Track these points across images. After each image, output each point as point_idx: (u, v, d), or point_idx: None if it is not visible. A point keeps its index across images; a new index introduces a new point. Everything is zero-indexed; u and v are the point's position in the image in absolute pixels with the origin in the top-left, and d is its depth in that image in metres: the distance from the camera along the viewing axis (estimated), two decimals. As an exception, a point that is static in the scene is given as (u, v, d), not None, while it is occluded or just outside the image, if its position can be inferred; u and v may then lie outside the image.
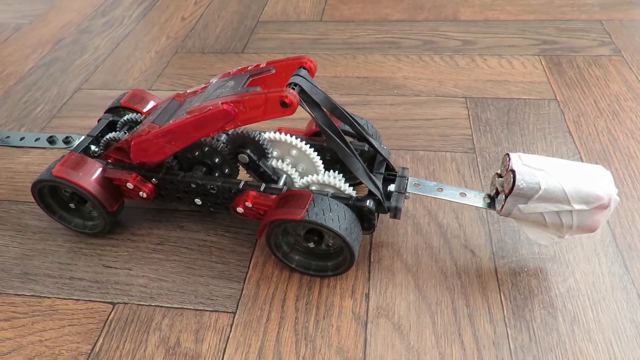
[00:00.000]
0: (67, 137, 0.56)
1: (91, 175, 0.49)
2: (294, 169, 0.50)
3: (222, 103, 0.42)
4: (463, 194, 0.47)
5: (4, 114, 0.75)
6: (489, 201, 0.46)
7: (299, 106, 0.42)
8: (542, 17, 0.88)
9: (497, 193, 0.45)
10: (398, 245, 0.51)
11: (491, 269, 0.48)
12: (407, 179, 0.48)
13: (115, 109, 0.59)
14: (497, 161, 0.60)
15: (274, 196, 0.47)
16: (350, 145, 0.45)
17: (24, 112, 0.75)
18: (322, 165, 0.51)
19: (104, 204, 0.50)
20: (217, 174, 0.52)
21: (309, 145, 0.50)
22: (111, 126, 0.57)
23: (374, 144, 0.48)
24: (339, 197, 0.45)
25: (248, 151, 0.48)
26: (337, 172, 0.51)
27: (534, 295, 0.45)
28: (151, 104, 0.58)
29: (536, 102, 0.69)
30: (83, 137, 0.55)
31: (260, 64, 0.47)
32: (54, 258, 0.53)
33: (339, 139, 0.44)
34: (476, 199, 0.46)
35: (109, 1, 1.07)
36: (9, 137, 0.57)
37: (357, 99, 0.72)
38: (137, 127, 0.50)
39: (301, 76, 0.43)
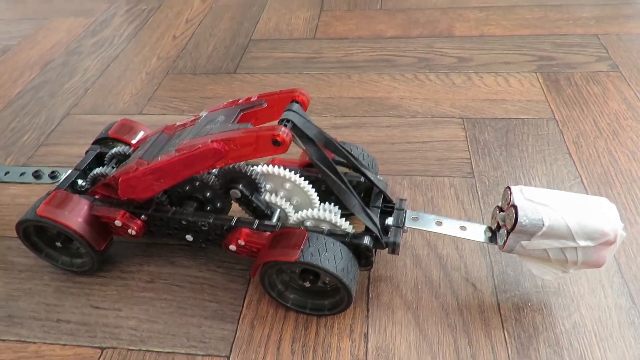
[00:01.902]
0: (53, 172, 0.54)
1: (78, 214, 0.48)
2: (288, 203, 0.49)
3: (211, 141, 0.40)
4: (463, 228, 0.45)
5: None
6: (490, 235, 0.45)
7: (292, 142, 0.41)
8: (537, 32, 0.87)
9: (499, 227, 0.44)
10: (397, 279, 0.49)
11: (494, 304, 0.46)
12: (405, 212, 0.46)
13: (103, 140, 0.57)
14: (497, 186, 0.58)
15: (267, 234, 0.45)
16: (346, 180, 0.43)
17: (11, 140, 0.73)
18: (317, 198, 0.49)
19: (91, 243, 0.48)
20: (208, 208, 0.50)
21: (303, 178, 0.48)
22: (99, 158, 0.56)
23: (370, 176, 0.47)
24: (335, 234, 0.44)
25: (240, 186, 0.46)
26: (332, 204, 0.50)
27: (539, 332, 0.44)
28: (140, 134, 0.57)
29: (534, 121, 0.68)
30: (69, 171, 0.54)
31: (251, 97, 0.45)
32: (40, 298, 0.51)
33: (334, 174, 0.43)
34: (477, 233, 0.45)
35: (99, 20, 1.06)
36: (-7, 171, 0.56)
37: (352, 121, 0.71)
38: (126, 161, 0.49)
39: (294, 111, 0.41)
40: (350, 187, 0.43)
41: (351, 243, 0.43)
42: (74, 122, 0.76)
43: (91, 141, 0.71)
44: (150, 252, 0.54)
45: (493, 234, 0.45)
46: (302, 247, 0.41)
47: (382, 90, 0.77)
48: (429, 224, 0.45)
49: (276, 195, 0.49)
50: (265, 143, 0.39)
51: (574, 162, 0.61)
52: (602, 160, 0.61)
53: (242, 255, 0.47)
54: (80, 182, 0.53)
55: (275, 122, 0.46)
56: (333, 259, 0.41)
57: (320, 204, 0.49)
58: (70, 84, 0.85)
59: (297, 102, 0.43)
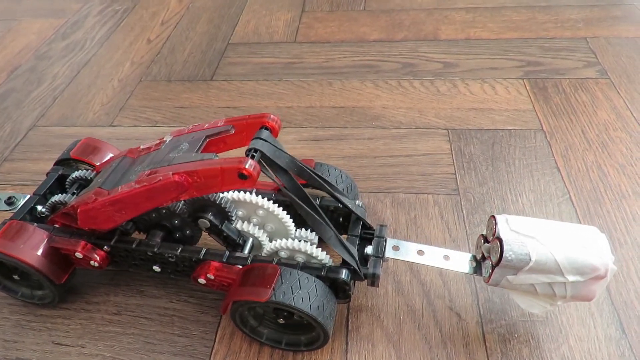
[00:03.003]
0: (10, 198, 0.50)
1: (35, 247, 0.44)
2: (262, 231, 0.46)
3: (173, 173, 0.37)
4: (447, 257, 0.43)
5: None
6: (474, 265, 0.42)
7: (262, 172, 0.38)
8: (525, 35, 0.85)
9: (484, 257, 0.41)
10: (378, 309, 0.47)
11: (479, 335, 0.44)
12: (386, 241, 0.44)
13: (65, 161, 0.54)
14: (483, 204, 0.56)
15: (238, 267, 0.42)
16: (320, 210, 0.41)
17: (-27, 155, 0.70)
18: (292, 224, 0.46)
19: (50, 278, 0.45)
20: (177, 235, 0.47)
21: (277, 205, 0.45)
22: (61, 181, 0.52)
23: (347, 203, 0.44)
24: (310, 267, 0.41)
25: (209, 215, 0.43)
26: (309, 230, 0.47)
27: (526, 366, 0.42)
28: (105, 155, 0.53)
29: (522, 132, 0.65)
30: (28, 197, 0.50)
31: (218, 122, 0.42)
32: (-2, 334, 0.47)
33: (307, 205, 0.40)
34: (461, 264, 0.42)
35: (70, 22, 1.01)
36: (-52, 196, 0.52)
37: (333, 132, 0.68)
38: (86, 188, 0.45)
39: (262, 139, 0.38)
40: (325, 218, 0.40)
41: (327, 277, 0.41)
42: (41, 134, 0.72)
43: (57, 156, 0.68)
44: (118, 280, 0.51)
45: (478, 264, 0.42)
46: (273, 285, 0.38)
47: (364, 99, 0.74)
48: (411, 253, 0.43)
49: (248, 222, 0.46)
50: (231, 176, 0.36)
51: (562, 177, 0.58)
52: (591, 174, 0.59)
53: (212, 288, 0.44)
54: (39, 208, 0.49)
55: (243, 149, 0.43)
56: (307, 297, 0.38)
57: (296, 230, 0.47)
58: (37, 93, 0.81)
59: (266, 128, 0.40)
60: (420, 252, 0.43)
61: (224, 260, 0.42)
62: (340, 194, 0.44)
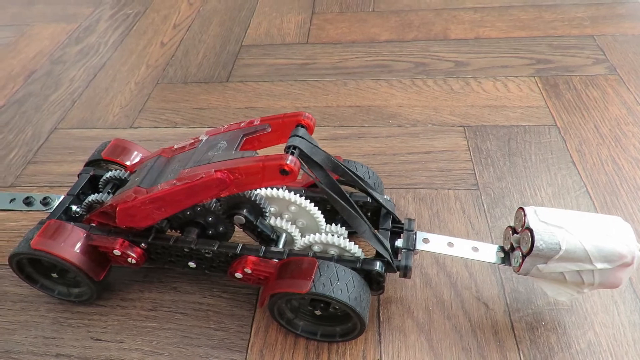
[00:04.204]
0: (45, 198, 0.51)
1: (74, 245, 0.45)
2: (294, 226, 0.47)
3: (215, 171, 0.38)
4: (475, 249, 0.44)
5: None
6: (502, 256, 0.44)
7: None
8: (533, 34, 0.86)
9: (512, 248, 0.43)
10: (407, 300, 0.48)
11: (507, 324, 0.46)
12: (415, 234, 0.45)
13: (96, 162, 0.55)
14: (502, 198, 0.58)
15: (274, 261, 0.43)
16: (355, 205, 0.42)
17: (-3, 158, 0.71)
18: (323, 219, 0.48)
19: (89, 275, 0.46)
20: (210, 232, 0.48)
21: (308, 200, 0.47)
22: (92, 181, 0.53)
23: (378, 198, 0.46)
24: (345, 260, 0.42)
25: (244, 212, 0.45)
26: (339, 224, 0.49)
27: (554, 352, 0.43)
28: (135, 155, 0.55)
29: (536, 129, 0.67)
30: (62, 197, 0.51)
31: (254, 121, 0.43)
32: (37, 332, 0.48)
33: (343, 200, 0.41)
34: (489, 254, 0.44)
35: (82, 26, 1.02)
36: (-19, 198, 0.53)
37: (351, 131, 0.69)
38: (123, 187, 0.47)
39: (300, 136, 0.40)
40: (360, 212, 0.42)
41: (362, 269, 0.42)
42: (62, 137, 0.73)
43: (81, 158, 0.69)
44: (151, 277, 0.52)
45: (506, 255, 0.44)
46: (313, 277, 0.40)
47: (379, 98, 0.75)
48: (441, 245, 0.44)
49: (281, 218, 0.48)
50: (273, 172, 0.37)
51: (578, 171, 0.60)
52: (606, 168, 0.60)
53: (248, 282, 0.45)
54: (74, 208, 0.51)
55: (278, 146, 0.44)
56: (345, 289, 0.40)
57: (326, 225, 0.48)
58: (56, 96, 0.82)
59: (302, 126, 0.41)
60: (450, 244, 0.45)
61: (261, 254, 0.44)
62: (372, 189, 0.46)
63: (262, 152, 0.41)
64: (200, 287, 0.51)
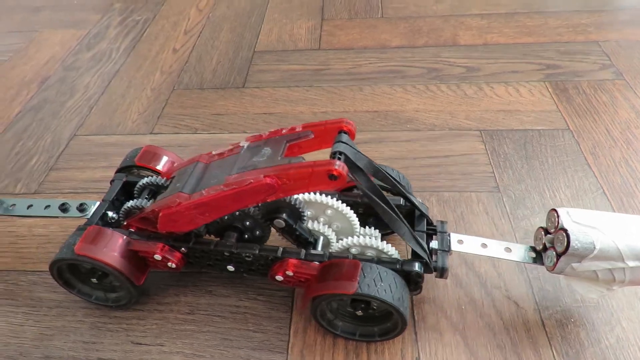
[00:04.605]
0: (81, 204, 0.52)
1: (116, 250, 0.46)
2: (330, 229, 0.48)
3: (264, 176, 0.39)
4: (508, 249, 0.46)
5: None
6: (534, 255, 0.46)
7: (343, 173, 0.40)
8: (540, 40, 0.89)
9: (545, 248, 0.44)
10: (440, 300, 0.50)
11: (538, 321, 0.47)
12: (449, 235, 0.47)
13: (128, 168, 0.56)
14: (523, 200, 0.59)
15: (315, 263, 0.45)
16: (395, 208, 0.43)
17: (18, 165, 0.71)
18: (358, 222, 0.49)
19: (131, 279, 0.47)
20: (247, 236, 0.49)
21: (345, 204, 0.48)
22: (125, 187, 0.54)
23: (414, 201, 0.47)
24: (386, 261, 0.44)
25: (284, 215, 0.46)
26: (372, 227, 0.50)
27: (585, 348, 0.45)
28: (166, 161, 0.55)
29: (550, 132, 0.69)
30: (98, 204, 0.52)
31: (295, 127, 0.44)
32: (76, 337, 0.49)
33: (385, 203, 0.43)
34: (521, 254, 0.46)
35: (92, 33, 1.03)
36: (14, 205, 0.53)
37: (371, 136, 0.71)
38: (162, 194, 0.47)
39: (344, 142, 0.41)
40: (400, 215, 0.43)
41: (402, 270, 0.43)
42: (82, 143, 0.74)
43: (103, 164, 0.70)
44: (186, 281, 0.53)
45: (538, 255, 0.45)
46: (357, 278, 0.41)
47: (395, 103, 0.77)
48: (475, 246, 0.46)
49: (317, 222, 0.49)
50: (321, 178, 0.38)
51: (593, 172, 0.62)
52: (620, 170, 0.63)
53: (288, 285, 0.46)
54: (110, 214, 0.51)
55: (318, 151, 0.46)
56: (389, 289, 0.41)
57: (361, 228, 0.49)
58: (72, 103, 0.83)
59: (344, 132, 0.43)
60: (484, 245, 0.46)
61: (302, 257, 0.45)
62: (409, 193, 0.47)
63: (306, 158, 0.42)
64: (235, 290, 0.52)
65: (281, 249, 0.46)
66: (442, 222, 0.48)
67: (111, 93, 0.84)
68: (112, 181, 0.55)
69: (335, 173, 0.38)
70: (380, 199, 0.42)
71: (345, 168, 0.39)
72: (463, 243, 0.46)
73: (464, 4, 1.02)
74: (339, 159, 0.40)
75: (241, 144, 0.46)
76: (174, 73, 0.88)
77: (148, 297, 0.52)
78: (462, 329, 0.47)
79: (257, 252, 0.46)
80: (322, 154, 0.45)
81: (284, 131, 0.45)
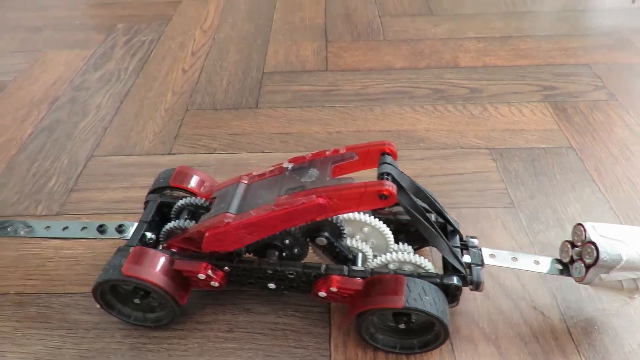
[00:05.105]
0: (120, 226, 0.53)
1: (161, 270, 0.47)
2: (367, 245, 0.51)
3: (317, 197, 0.41)
4: (537, 262, 0.49)
5: (14, 190, 0.70)
6: (560, 268, 0.49)
7: (388, 193, 0.43)
8: (535, 62, 0.94)
9: (572, 260, 0.48)
10: (471, 312, 0.52)
11: (564, 330, 0.50)
12: (481, 250, 0.49)
13: (161, 189, 0.57)
14: (537, 214, 0.63)
15: (358, 279, 0.46)
16: (435, 226, 0.46)
17: (36, 187, 0.70)
18: (393, 238, 0.51)
19: (176, 299, 0.48)
20: (285, 254, 0.51)
21: (381, 222, 0.50)
22: (160, 208, 0.55)
23: (448, 217, 0.50)
24: (426, 276, 0.46)
25: (326, 234, 0.48)
26: (405, 243, 0.52)
27: (610, 354, 0.48)
28: (198, 181, 0.57)
29: (555, 150, 0.73)
30: (136, 224, 0.53)
31: (339, 149, 0.47)
32: (117, 358, 0.49)
33: (426, 221, 0.45)
34: (549, 266, 0.49)
35: (97, 53, 1.03)
36: (49, 227, 0.54)
37: (386, 154, 0.74)
38: (205, 214, 0.49)
39: (389, 163, 0.44)
40: (440, 232, 0.46)
41: (442, 283, 0.46)
42: (101, 164, 0.74)
43: (124, 185, 0.71)
44: (223, 300, 0.54)
45: (564, 267, 0.49)
46: (404, 293, 0.43)
47: (406, 123, 0.80)
48: (506, 260, 0.49)
49: (355, 239, 0.51)
50: (372, 198, 0.41)
51: (599, 188, 0.66)
52: (623, 185, 0.67)
53: (329, 301, 0.48)
54: (148, 234, 0.52)
55: (358, 172, 0.48)
56: (434, 302, 0.43)
57: (395, 244, 0.52)
58: (85, 123, 0.83)
59: (387, 153, 0.45)
60: (514, 259, 0.49)
61: (346, 273, 0.47)
62: (444, 211, 0.50)
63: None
64: (272, 307, 0.53)
65: (324, 266, 0.48)
66: (472, 237, 0.51)
67: (124, 113, 0.85)
68: (146, 202, 0.56)
69: (386, 193, 0.40)
70: (423, 217, 0.45)
71: (395, 188, 0.41)
72: (495, 257, 0.49)
73: (460, 27, 1.07)
74: (387, 179, 0.42)
75: (284, 165, 0.48)
76: (185, 93, 0.90)
77: (186, 316, 0.53)
78: (494, 339, 0.50)
79: (300, 269, 0.47)
80: (360, 174, 0.48)
81: (327, 153, 0.47)
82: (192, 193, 0.56)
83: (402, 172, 0.45)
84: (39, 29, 1.14)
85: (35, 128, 0.82)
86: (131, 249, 0.48)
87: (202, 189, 0.56)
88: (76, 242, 0.61)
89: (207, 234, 0.46)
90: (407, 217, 0.52)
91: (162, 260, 0.48)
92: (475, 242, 0.50)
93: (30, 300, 0.55)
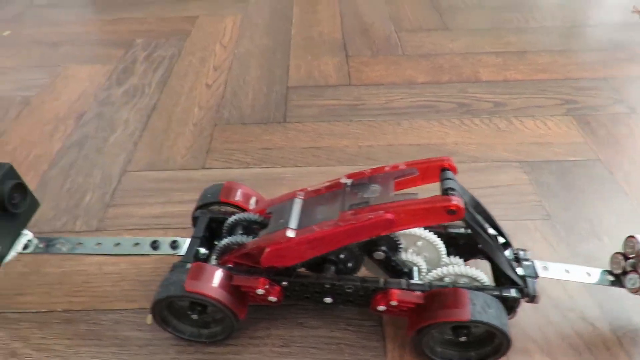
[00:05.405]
0: (174, 242, 0.53)
1: (222, 286, 0.47)
2: (421, 258, 0.51)
3: (385, 212, 0.42)
4: (588, 274, 0.50)
5: (49, 205, 0.70)
6: (612, 279, 0.50)
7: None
8: (554, 77, 0.96)
9: (625, 272, 0.49)
10: (521, 324, 0.53)
11: (615, 341, 0.51)
12: (533, 262, 0.50)
13: (208, 205, 0.57)
14: (574, 226, 0.64)
15: (418, 292, 0.47)
16: (494, 239, 0.47)
17: (72, 202, 0.70)
18: (445, 252, 0.52)
19: (236, 314, 0.48)
20: (339, 267, 0.51)
21: (436, 235, 0.51)
22: (208, 224, 0.55)
23: (501, 230, 0.51)
24: (485, 288, 0.47)
25: (384, 248, 0.48)
26: (456, 256, 0.53)
27: (662, 363, 0.49)
28: (247, 196, 0.57)
29: (583, 162, 0.75)
30: (189, 240, 0.53)
31: (398, 165, 0.48)
32: (174, 374, 0.49)
33: (486, 234, 0.46)
34: (599, 278, 0.50)
35: (118, 69, 1.04)
36: (100, 243, 0.53)
37: (419, 168, 0.75)
38: (265, 229, 0.49)
39: (451, 179, 0.45)
40: (499, 244, 0.47)
41: (501, 296, 0.46)
42: (135, 179, 0.74)
43: (161, 200, 0.71)
44: (275, 314, 0.54)
45: (616, 278, 0.50)
46: (469, 306, 0.44)
47: (435, 137, 0.81)
48: (560, 272, 0.50)
49: (408, 252, 0.51)
50: (439, 213, 0.42)
51: (630, 200, 0.68)
52: (654, 197, 0.69)
53: (390, 314, 0.49)
54: (202, 250, 0.53)
55: (415, 188, 0.49)
56: (498, 315, 0.44)
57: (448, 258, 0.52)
58: (114, 138, 0.83)
59: (447, 169, 0.46)
60: (567, 271, 0.50)
61: (405, 287, 0.47)
62: (498, 225, 0.51)
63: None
64: (324, 321, 0.54)
65: (382, 280, 0.48)
66: (522, 249, 0.52)
67: (153, 128, 0.85)
68: (194, 218, 0.57)
69: (454, 208, 0.41)
70: (484, 232, 0.46)
71: (462, 203, 0.42)
72: (548, 269, 0.50)
73: (476, 42, 1.09)
74: (452, 194, 0.43)
75: (342, 181, 0.49)
76: (212, 108, 0.90)
77: (239, 331, 0.53)
78: (548, 351, 0.50)
79: (359, 283, 0.48)
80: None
81: (387, 168, 0.48)
82: (241, 208, 0.56)
83: (462, 187, 0.46)
84: (56, 45, 1.14)
85: (64, 143, 0.82)
86: (190, 265, 0.48)
87: (250, 204, 0.57)
88: (119, 259, 0.61)
89: (268, 249, 0.46)
90: (457, 231, 0.53)
91: (221, 275, 0.48)
92: (527, 254, 0.51)
93: (79, 317, 0.55)
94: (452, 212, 0.41)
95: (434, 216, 0.42)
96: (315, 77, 0.99)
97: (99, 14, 1.30)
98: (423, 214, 0.42)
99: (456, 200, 0.41)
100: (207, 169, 0.76)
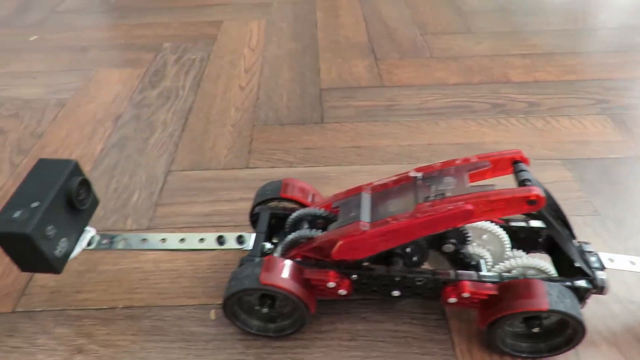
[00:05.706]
0: (240, 237, 0.53)
1: (295, 279, 0.48)
2: (488, 251, 0.52)
3: (465, 203, 0.43)
4: (652, 265, 0.51)
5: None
6: (676, 270, 0.50)
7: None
8: (583, 77, 0.98)
9: (689, 263, 0.49)
10: (585, 316, 0.53)
11: (680, 331, 0.52)
12: (598, 254, 0.51)
13: (268, 201, 0.57)
14: (622, 221, 0.65)
15: (490, 284, 0.47)
16: (567, 230, 0.47)
17: (120, 202, 0.70)
18: (510, 245, 0.52)
19: (309, 307, 0.48)
20: (404, 261, 0.52)
21: (501, 229, 0.51)
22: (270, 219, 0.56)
23: (569, 223, 0.51)
24: (558, 279, 0.47)
25: (453, 240, 0.49)
26: (520, 250, 0.53)
27: None
28: (305, 192, 0.57)
29: (624, 160, 0.76)
30: (254, 235, 0.53)
31: (469, 158, 0.48)
32: (244, 369, 0.49)
33: (560, 227, 0.46)
34: (664, 269, 0.50)
35: (150, 72, 1.04)
36: (165, 239, 0.54)
37: (462, 166, 0.75)
38: (335, 223, 0.50)
39: (526, 171, 0.45)
40: (571, 235, 0.47)
41: (572, 286, 0.47)
42: (180, 179, 0.75)
43: (209, 199, 0.72)
44: (336, 309, 0.54)
45: (680, 269, 0.50)
46: (546, 295, 0.44)
47: (474, 136, 0.82)
48: (625, 264, 0.50)
49: (473, 245, 0.52)
50: (519, 203, 0.42)
51: (676, 195, 0.69)
52: (698, 193, 0.69)
53: (461, 306, 0.49)
54: (267, 245, 0.53)
55: (488, 180, 0.49)
56: (573, 305, 0.44)
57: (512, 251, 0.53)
58: (155, 139, 0.83)
59: (519, 161, 0.47)
60: (632, 263, 0.51)
61: (476, 279, 0.48)
62: (565, 216, 0.51)
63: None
64: (388, 315, 0.54)
65: (453, 272, 0.48)
66: (586, 243, 0.52)
67: (191, 129, 0.86)
68: (253, 213, 0.57)
69: (534, 198, 0.42)
70: (556, 222, 0.46)
71: (543, 193, 0.42)
72: (614, 261, 0.51)
73: (501, 45, 1.11)
74: (529, 185, 0.44)
75: (412, 175, 0.50)
76: (248, 110, 0.91)
77: (304, 326, 0.53)
78: (614, 342, 0.51)
79: (430, 275, 0.48)
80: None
81: (457, 162, 0.48)
82: (302, 204, 0.56)
83: (535, 179, 0.46)
84: (85, 49, 1.14)
85: (105, 145, 0.82)
86: (264, 258, 0.49)
87: (308, 199, 0.57)
88: (175, 255, 0.61)
89: (340, 242, 0.47)
90: (518, 224, 0.54)
91: (294, 269, 0.48)
92: (590, 247, 0.52)
93: (141, 313, 0.55)
94: (533, 202, 0.42)
95: (514, 207, 0.42)
96: (347, 79, 1.00)
97: (122, 19, 1.31)
98: (503, 205, 0.43)
99: (537, 191, 0.42)
100: (252, 168, 0.76)
